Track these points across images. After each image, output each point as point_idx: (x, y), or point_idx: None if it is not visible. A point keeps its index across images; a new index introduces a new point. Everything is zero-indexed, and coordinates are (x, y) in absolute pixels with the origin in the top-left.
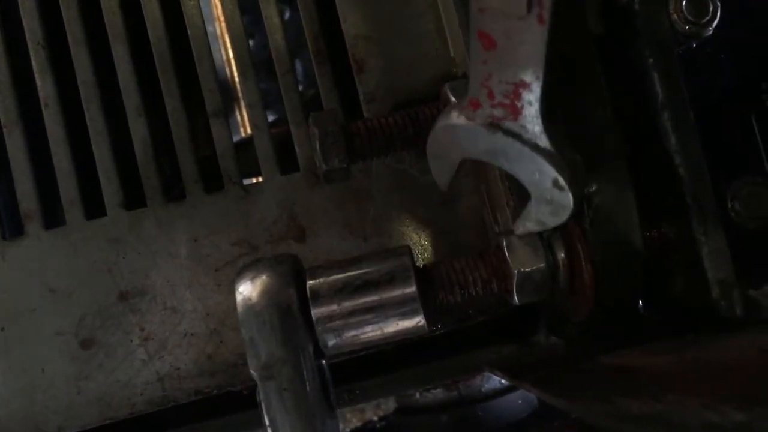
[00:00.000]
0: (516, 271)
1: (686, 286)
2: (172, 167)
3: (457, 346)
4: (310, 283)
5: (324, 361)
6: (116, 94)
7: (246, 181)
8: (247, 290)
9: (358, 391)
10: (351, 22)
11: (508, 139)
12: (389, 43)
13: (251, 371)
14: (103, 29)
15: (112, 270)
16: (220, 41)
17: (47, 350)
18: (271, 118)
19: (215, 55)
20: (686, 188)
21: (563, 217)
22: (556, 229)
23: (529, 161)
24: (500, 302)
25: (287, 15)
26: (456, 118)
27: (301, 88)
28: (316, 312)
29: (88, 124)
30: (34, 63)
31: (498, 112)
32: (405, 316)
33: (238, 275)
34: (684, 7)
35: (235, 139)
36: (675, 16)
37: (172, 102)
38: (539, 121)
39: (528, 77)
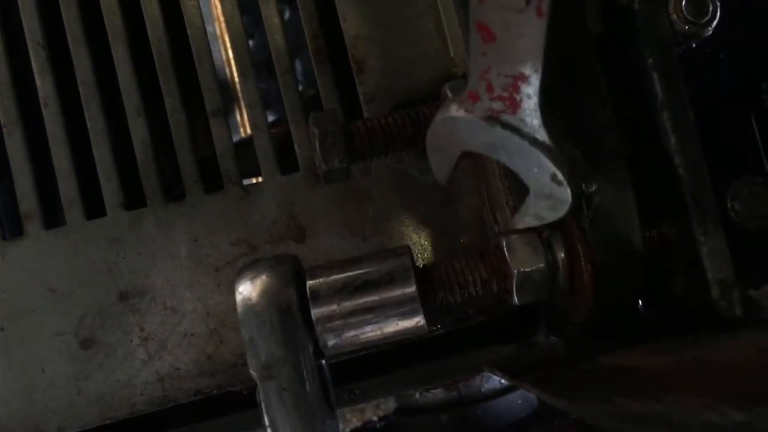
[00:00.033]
0: (516, 271)
1: (686, 286)
2: (172, 167)
3: (456, 346)
4: (309, 283)
5: (324, 361)
6: (116, 94)
7: (246, 181)
8: (246, 290)
9: (358, 391)
10: (351, 22)
11: (507, 132)
12: (389, 43)
13: (251, 371)
14: (103, 29)
15: (112, 270)
16: (220, 41)
17: (47, 350)
18: (270, 118)
19: (215, 55)
20: (686, 188)
21: (561, 211)
22: (555, 228)
23: (528, 155)
24: (500, 302)
25: (287, 15)
26: (455, 110)
27: (300, 88)
28: (315, 312)
29: (87, 124)
30: (33, 63)
31: (497, 105)
32: (405, 316)
33: (238, 275)
34: (684, 7)
35: (235, 139)
36: (675, 16)
37: (171, 102)
38: (538, 114)
39: (527, 70)
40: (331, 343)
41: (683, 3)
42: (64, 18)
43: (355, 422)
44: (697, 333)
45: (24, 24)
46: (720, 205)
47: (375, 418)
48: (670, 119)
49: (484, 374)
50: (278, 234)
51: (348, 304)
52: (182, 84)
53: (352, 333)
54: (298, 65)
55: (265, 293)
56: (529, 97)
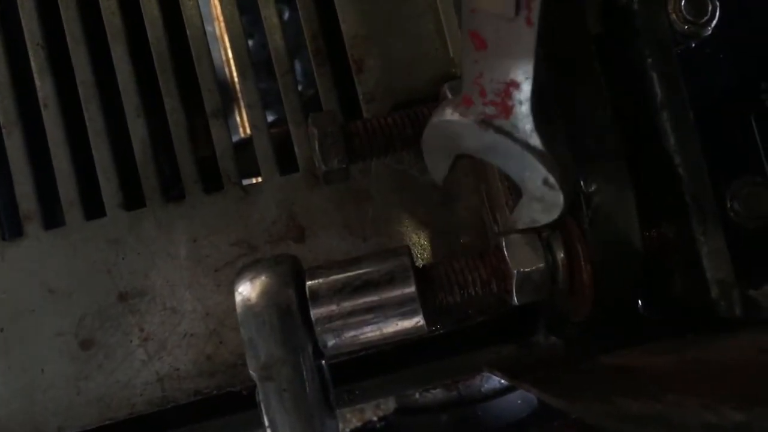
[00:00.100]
0: (515, 272)
1: (686, 286)
2: (172, 167)
3: (456, 347)
4: (309, 283)
5: (323, 362)
6: (115, 94)
7: (245, 182)
8: (246, 291)
9: (357, 392)
10: (350, 22)
11: (500, 136)
12: (388, 43)
13: (250, 372)
14: (102, 29)
15: (111, 270)
16: (220, 41)
17: (47, 351)
18: (270, 118)
19: (214, 56)
20: (686, 188)
21: (554, 214)
22: (555, 229)
23: (520, 159)
24: (500, 302)
25: (286, 15)
26: (450, 114)
27: (300, 88)
28: (315, 312)
29: (87, 124)
30: (33, 63)
31: (490, 110)
32: (404, 316)
33: (238, 276)
34: (683, 7)
35: (235, 139)
36: (674, 16)
37: (171, 102)
38: (530, 120)
39: (518, 77)
40: (330, 343)
41: (682, 3)
42: (63, 18)
43: (355, 422)
44: (697, 333)
45: (23, 24)
46: (720, 205)
47: (375, 418)
48: (669, 119)
49: (484, 374)
50: (278, 234)
51: (347, 305)
52: (181, 84)
53: (352, 333)
54: (297, 65)
55: (265, 294)
56: (521, 103)
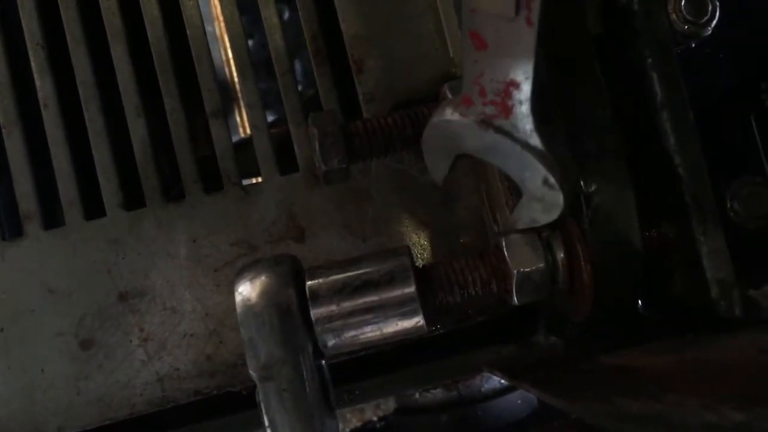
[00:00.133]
0: (515, 272)
1: (686, 286)
2: (172, 167)
3: (456, 347)
4: (309, 283)
5: (323, 362)
6: (115, 94)
7: (245, 182)
8: (246, 291)
9: (357, 392)
10: (350, 22)
11: (499, 136)
12: (388, 44)
13: (250, 372)
14: (102, 29)
15: (111, 270)
16: (219, 41)
17: (47, 350)
18: (270, 118)
19: (214, 55)
20: (686, 188)
21: (554, 214)
22: (555, 229)
23: (520, 159)
24: (500, 302)
25: (286, 15)
26: (450, 114)
27: (300, 88)
28: (315, 312)
29: (87, 124)
30: (33, 63)
31: (489, 110)
32: (404, 316)
33: (238, 276)
34: (683, 7)
35: (235, 139)
36: (674, 16)
37: (171, 102)
38: (530, 120)
39: (518, 77)
40: (330, 343)
41: (682, 3)
42: (63, 18)
43: (355, 422)
44: (697, 333)
45: (23, 24)
46: (720, 205)
47: (375, 418)
48: (669, 119)
49: (484, 374)
50: (278, 234)
51: (347, 305)
52: (181, 84)
53: (352, 333)
54: (297, 65)
55: (265, 294)
56: (520, 103)
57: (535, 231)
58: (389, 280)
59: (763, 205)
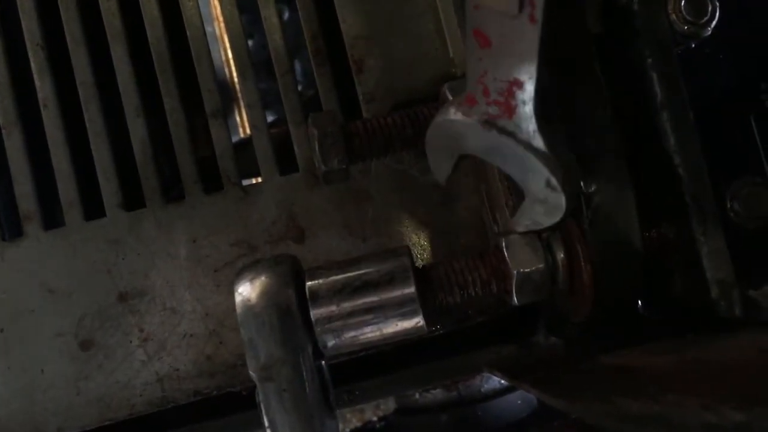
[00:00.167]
0: (515, 272)
1: (686, 286)
2: (171, 168)
3: (456, 347)
4: (309, 283)
5: (323, 362)
6: (115, 94)
7: (245, 182)
8: (246, 291)
9: (357, 392)
10: (350, 23)
11: (503, 137)
12: (388, 43)
13: (250, 372)
14: (102, 30)
15: (111, 271)
16: (219, 41)
17: (47, 351)
18: (270, 118)
19: (214, 56)
20: (686, 188)
21: (557, 217)
22: (555, 229)
23: (523, 160)
24: (499, 303)
25: (286, 15)
26: (453, 113)
27: (300, 88)
28: (315, 313)
29: (87, 124)
30: (32, 64)
31: (493, 110)
32: (404, 316)
33: (237, 276)
34: (683, 8)
35: (234, 139)
36: (674, 16)
37: (171, 102)
38: (534, 120)
39: (522, 76)
40: (330, 343)
41: (682, 3)
42: (63, 18)
43: (355, 422)
44: (697, 333)
45: (23, 25)
46: (720, 205)
47: (375, 419)
48: (669, 119)
49: (484, 374)
50: (277, 234)
51: (347, 305)
52: (181, 84)
53: (352, 334)
54: (297, 65)
55: (265, 294)
56: (524, 103)
57: (534, 231)
58: (389, 281)
59: (763, 205)
